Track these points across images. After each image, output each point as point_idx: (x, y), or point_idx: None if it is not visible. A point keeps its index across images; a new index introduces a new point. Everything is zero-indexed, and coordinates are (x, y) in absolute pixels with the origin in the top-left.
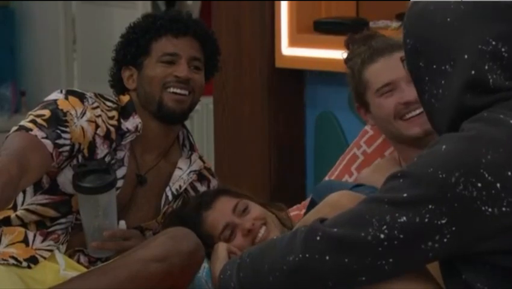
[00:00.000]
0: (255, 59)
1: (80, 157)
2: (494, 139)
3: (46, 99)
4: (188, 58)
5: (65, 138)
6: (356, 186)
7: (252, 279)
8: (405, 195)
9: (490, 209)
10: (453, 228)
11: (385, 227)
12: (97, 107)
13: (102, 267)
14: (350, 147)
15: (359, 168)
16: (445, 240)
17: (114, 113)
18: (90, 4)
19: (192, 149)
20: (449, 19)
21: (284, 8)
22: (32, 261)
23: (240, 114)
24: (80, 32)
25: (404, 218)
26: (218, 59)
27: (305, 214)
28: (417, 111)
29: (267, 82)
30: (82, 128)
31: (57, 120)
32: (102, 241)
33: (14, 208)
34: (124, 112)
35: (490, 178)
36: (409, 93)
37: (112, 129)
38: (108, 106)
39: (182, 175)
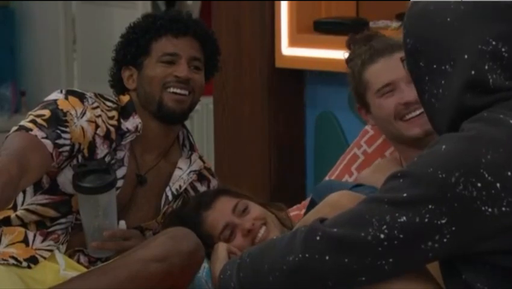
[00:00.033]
0: (255, 59)
1: (80, 157)
2: (494, 139)
3: (46, 99)
4: (188, 58)
5: (65, 138)
6: (356, 186)
7: (252, 279)
8: (405, 195)
9: (489, 209)
10: (453, 228)
11: (385, 227)
12: (97, 107)
13: (102, 267)
14: (351, 147)
15: (359, 168)
16: (445, 240)
17: (114, 113)
18: (90, 4)
19: (192, 149)
20: (449, 19)
21: (284, 8)
22: (32, 261)
23: (240, 114)
24: (80, 32)
25: (404, 218)
26: (218, 59)
27: (305, 214)
28: (417, 112)
29: (267, 82)
30: (82, 128)
31: (57, 120)
32: (102, 241)
33: (14, 208)
34: (124, 112)
35: (489, 178)
36: (409, 93)
37: (112, 129)
38: (108, 106)
39: (182, 175)
